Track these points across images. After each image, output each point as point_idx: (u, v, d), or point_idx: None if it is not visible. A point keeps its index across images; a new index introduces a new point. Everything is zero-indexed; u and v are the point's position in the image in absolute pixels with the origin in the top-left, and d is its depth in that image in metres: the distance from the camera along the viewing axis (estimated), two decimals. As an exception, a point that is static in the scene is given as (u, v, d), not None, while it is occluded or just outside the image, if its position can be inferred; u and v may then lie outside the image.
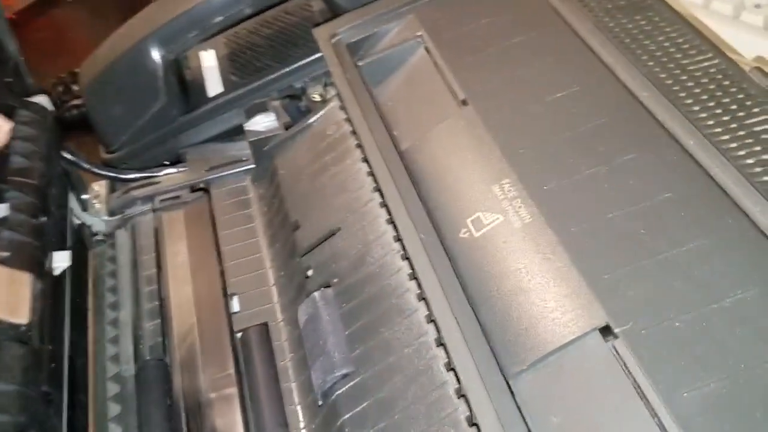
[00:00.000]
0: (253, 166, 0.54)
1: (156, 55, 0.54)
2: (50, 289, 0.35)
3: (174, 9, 0.54)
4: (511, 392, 0.30)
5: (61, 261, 0.38)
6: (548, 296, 0.32)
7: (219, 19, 0.54)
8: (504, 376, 0.30)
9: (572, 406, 0.29)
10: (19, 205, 0.36)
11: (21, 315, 0.31)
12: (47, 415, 0.31)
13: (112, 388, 0.44)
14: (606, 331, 0.30)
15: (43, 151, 0.42)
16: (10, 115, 0.42)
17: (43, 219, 0.37)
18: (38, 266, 0.35)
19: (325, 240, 0.45)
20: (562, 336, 0.31)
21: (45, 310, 0.33)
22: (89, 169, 0.53)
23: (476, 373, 0.30)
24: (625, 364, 0.29)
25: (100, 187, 0.55)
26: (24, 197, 0.37)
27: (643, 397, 0.28)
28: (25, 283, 0.32)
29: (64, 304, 0.40)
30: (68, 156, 0.52)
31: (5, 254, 0.33)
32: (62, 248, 0.40)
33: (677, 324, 0.29)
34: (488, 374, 0.30)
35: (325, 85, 0.56)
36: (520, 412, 0.29)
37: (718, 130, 0.36)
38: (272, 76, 0.57)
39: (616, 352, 0.30)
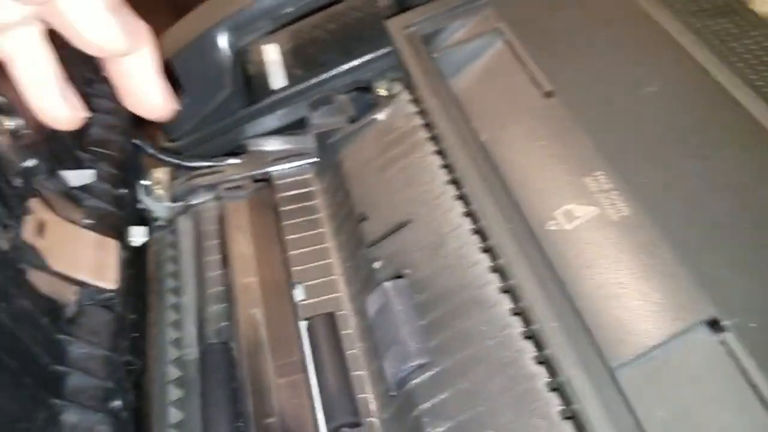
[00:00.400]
0: (316, 159, 0.54)
1: (225, 43, 0.54)
2: (132, 260, 0.35)
3: (246, -2, 0.54)
4: (615, 384, 0.29)
5: (139, 235, 0.37)
6: (651, 289, 0.31)
7: (289, 9, 0.54)
8: (607, 368, 0.29)
9: (679, 400, 0.28)
10: (102, 174, 0.35)
11: (109, 280, 0.31)
12: (129, 385, 0.31)
13: (174, 372, 0.43)
14: (714, 324, 0.29)
15: (122, 125, 0.41)
16: (90, 85, 0.42)
17: (124, 191, 0.37)
18: (121, 235, 0.34)
19: (395, 232, 0.44)
20: (667, 329, 0.30)
21: (129, 279, 0.32)
22: (155, 155, 0.53)
23: (579, 365, 0.29)
24: (736, 358, 0.28)
25: (162, 173, 0.55)
26: (106, 167, 0.36)
27: (756, 391, 0.27)
28: (114, 249, 0.32)
29: (145, 277, 0.39)
30: (135, 141, 0.51)
31: (90, 221, 0.32)
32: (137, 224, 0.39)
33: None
34: (592, 366, 0.29)
35: (391, 80, 0.55)
36: (627, 403, 0.28)
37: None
38: (337, 71, 0.56)
39: (726, 345, 0.28)
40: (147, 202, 0.52)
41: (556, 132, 0.39)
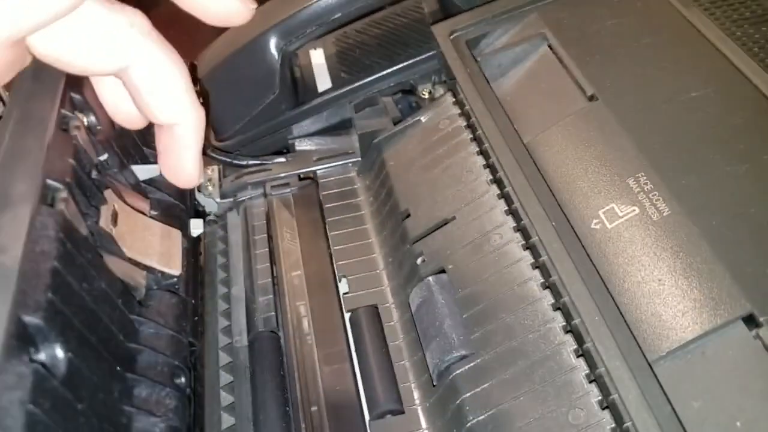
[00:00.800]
0: (359, 159, 0.56)
1: (274, 47, 0.56)
2: (193, 249, 0.37)
3: (295, 5, 0.56)
4: (655, 376, 0.30)
5: (197, 227, 0.40)
6: (690, 286, 0.32)
7: (337, 15, 0.56)
8: (647, 361, 0.30)
9: (714, 392, 0.29)
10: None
11: (175, 266, 0.33)
12: (191, 365, 0.33)
13: (224, 358, 0.45)
14: (750, 320, 0.30)
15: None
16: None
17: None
18: (183, 225, 0.36)
19: (438, 228, 0.46)
20: (704, 324, 0.31)
21: (189, 266, 0.35)
22: (208, 153, 0.55)
23: (619, 357, 0.30)
24: (773, 353, 0.29)
25: (212, 171, 0.57)
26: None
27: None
28: (177, 237, 0.34)
29: (201, 265, 0.41)
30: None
31: (156, 212, 0.35)
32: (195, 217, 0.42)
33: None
34: (631, 358, 0.30)
35: (434, 83, 0.57)
36: (665, 394, 0.29)
37: None
38: (381, 74, 0.58)
39: (762, 340, 0.29)
40: (199, 198, 0.55)
41: (598, 135, 0.40)
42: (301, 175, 0.56)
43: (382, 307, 0.46)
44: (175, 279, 0.33)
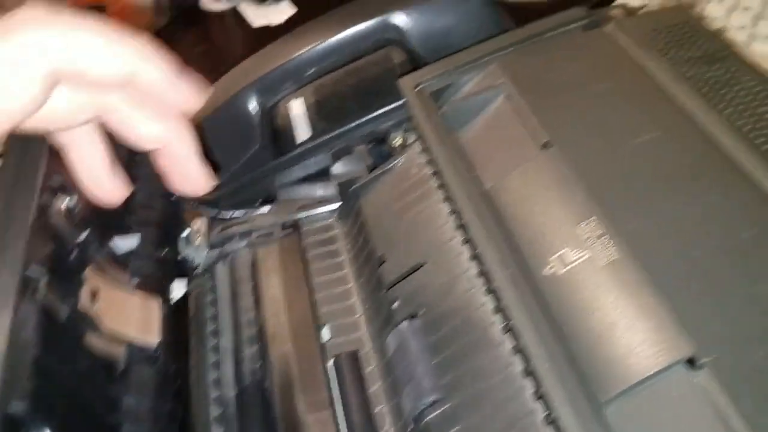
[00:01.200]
0: (339, 204, 0.58)
1: (254, 104, 0.59)
2: (172, 315, 0.39)
3: (271, 62, 0.59)
4: (601, 420, 0.32)
5: (179, 289, 0.42)
6: (635, 330, 0.34)
7: (312, 71, 0.59)
8: (594, 404, 0.32)
9: (660, 433, 0.31)
10: (146, 237, 0.40)
11: (152, 336, 0.35)
12: (173, 429, 0.35)
13: (215, 410, 0.47)
14: (691, 362, 0.32)
15: (162, 190, 0.47)
16: (132, 159, 0.47)
17: (165, 251, 0.42)
18: (163, 293, 0.39)
19: (411, 273, 0.48)
20: (648, 367, 0.33)
21: (171, 331, 0.37)
22: (194, 208, 0.58)
23: (566, 401, 0.32)
24: (709, 395, 0.31)
25: (200, 223, 0.60)
26: (149, 231, 0.41)
27: (727, 427, 0.30)
28: (156, 307, 0.36)
29: (186, 327, 0.44)
30: (175, 197, 0.57)
31: (135, 281, 0.37)
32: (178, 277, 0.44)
33: (761, 354, 0.31)
34: (577, 402, 0.32)
35: (405, 131, 0.60)
36: (611, 438, 0.31)
37: (798, 173, 0.38)
38: (356, 123, 0.61)
39: (701, 383, 0.31)
40: (187, 251, 0.57)
41: (551, 182, 0.42)
42: (285, 224, 0.59)
43: (361, 353, 0.48)
44: (155, 347, 0.35)
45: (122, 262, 0.38)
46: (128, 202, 0.44)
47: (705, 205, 0.38)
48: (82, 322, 0.32)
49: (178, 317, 0.43)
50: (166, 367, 0.35)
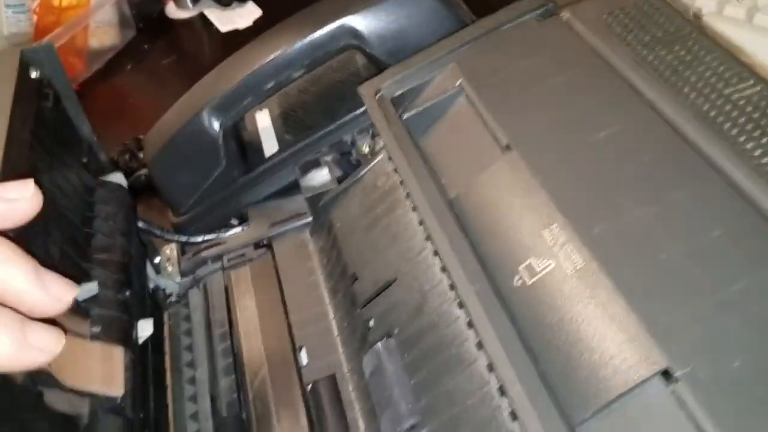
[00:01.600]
0: (310, 219, 0.57)
1: (215, 123, 0.58)
2: (138, 358, 0.38)
3: (228, 79, 0.57)
4: (575, 441, 0.30)
5: (145, 329, 0.41)
6: (607, 343, 0.33)
7: (272, 84, 0.57)
8: (568, 425, 0.31)
9: (637, 452, 0.30)
10: (106, 282, 0.39)
11: (116, 387, 0.34)
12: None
13: (195, 446, 0.46)
14: (667, 375, 0.31)
15: (122, 228, 0.45)
16: (90, 194, 0.46)
17: (128, 293, 0.40)
18: (127, 338, 0.38)
19: (382, 291, 0.46)
20: (623, 382, 0.31)
21: (135, 379, 0.36)
22: (162, 236, 0.56)
23: (539, 424, 0.31)
24: (686, 408, 0.29)
25: (170, 250, 0.58)
26: (110, 274, 0.40)
27: (705, 439, 0.28)
28: (118, 356, 0.35)
29: (149, 370, 0.42)
30: (142, 225, 0.55)
31: (97, 329, 0.36)
32: (144, 316, 0.43)
33: (737, 364, 0.29)
34: (551, 423, 0.31)
35: (373, 137, 0.58)
36: (587, 463, 0.30)
37: (766, 160, 0.36)
38: (322, 132, 0.59)
39: (678, 396, 0.30)
40: (158, 281, 0.56)
41: (514, 187, 0.41)
42: (258, 243, 0.57)
43: (339, 376, 0.46)
44: (119, 399, 0.34)
45: (82, 311, 0.36)
46: (87, 245, 0.42)
47: (671, 203, 0.36)
48: (41, 380, 0.31)
49: (143, 360, 0.42)
50: (131, 420, 0.34)
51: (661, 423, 0.30)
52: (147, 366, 0.42)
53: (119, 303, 0.39)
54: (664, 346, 0.31)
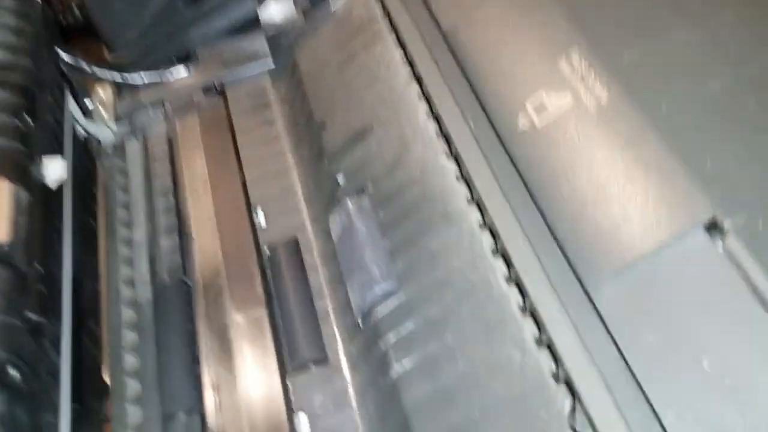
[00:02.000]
0: (271, 64, 0.48)
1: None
2: (41, 203, 0.30)
3: None
4: (593, 305, 0.24)
5: (55, 170, 0.32)
6: (636, 190, 0.26)
7: None
8: (583, 287, 0.25)
9: (672, 322, 0.24)
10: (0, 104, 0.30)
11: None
12: (38, 348, 0.27)
13: (127, 314, 0.40)
14: (713, 226, 0.24)
15: (30, 47, 0.36)
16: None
17: (30, 121, 0.32)
18: (24, 175, 0.29)
19: (356, 140, 0.39)
20: (655, 237, 0.25)
21: (32, 225, 0.28)
22: (89, 71, 0.47)
23: (548, 285, 0.25)
24: (738, 264, 0.23)
25: (104, 90, 0.49)
26: (6, 96, 0.31)
27: (764, 302, 0.22)
28: (4, 193, 0.27)
29: (62, 221, 0.35)
30: (66, 57, 0.46)
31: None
32: (54, 154, 0.34)
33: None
34: (564, 285, 0.24)
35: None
36: (606, 328, 0.24)
37: None
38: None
39: (727, 250, 0.24)
40: (88, 126, 0.47)
41: (526, 7, 0.32)
42: (207, 88, 0.48)
43: (302, 238, 0.39)
44: (6, 247, 0.26)
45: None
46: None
47: (713, 27, 0.28)
48: None
49: (52, 207, 0.34)
50: (21, 272, 0.27)
51: (707, 284, 0.24)
52: (57, 214, 0.34)
53: (16, 130, 0.30)
54: (710, 192, 0.24)
